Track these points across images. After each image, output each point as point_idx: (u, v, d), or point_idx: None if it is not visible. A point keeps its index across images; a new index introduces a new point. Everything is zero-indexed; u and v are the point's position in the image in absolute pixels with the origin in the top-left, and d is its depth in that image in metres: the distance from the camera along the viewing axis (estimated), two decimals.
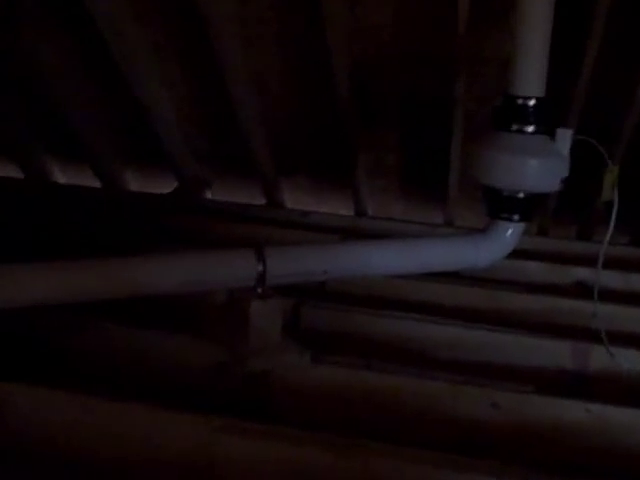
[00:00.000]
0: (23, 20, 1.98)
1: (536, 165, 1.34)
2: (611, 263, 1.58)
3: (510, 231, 1.39)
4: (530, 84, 1.33)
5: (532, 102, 1.33)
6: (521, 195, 1.36)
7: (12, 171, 2.54)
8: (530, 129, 1.34)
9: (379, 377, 1.27)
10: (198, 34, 1.94)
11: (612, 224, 1.37)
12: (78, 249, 1.79)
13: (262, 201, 2.43)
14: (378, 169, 2.30)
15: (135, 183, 2.51)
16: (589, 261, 1.65)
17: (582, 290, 1.80)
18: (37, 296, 1.20)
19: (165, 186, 2.44)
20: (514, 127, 1.34)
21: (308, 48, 1.97)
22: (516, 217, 1.38)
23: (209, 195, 2.48)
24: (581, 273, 1.88)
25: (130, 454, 1.08)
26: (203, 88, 2.17)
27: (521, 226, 1.39)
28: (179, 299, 1.38)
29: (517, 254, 1.47)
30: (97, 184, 2.50)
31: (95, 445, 1.10)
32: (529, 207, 1.38)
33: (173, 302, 1.41)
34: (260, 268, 1.25)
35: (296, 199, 2.42)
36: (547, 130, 1.34)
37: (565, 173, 1.34)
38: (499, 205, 1.38)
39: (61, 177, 2.57)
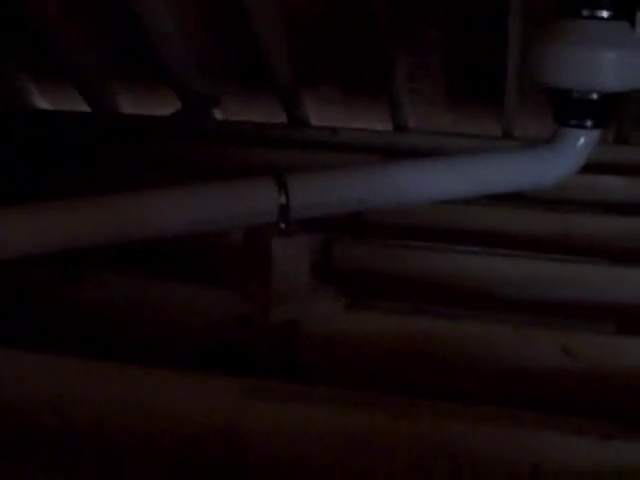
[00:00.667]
0: None
1: (613, 58, 1.30)
2: None
3: (582, 140, 1.36)
4: None
5: None
6: (595, 96, 1.34)
7: None
8: (605, 14, 1.30)
9: (431, 323, 1.26)
10: None
11: None
12: (67, 186, 1.81)
13: (282, 119, 2.43)
14: (420, 73, 2.30)
15: (130, 105, 2.52)
16: None
17: None
18: (23, 244, 1.21)
19: (165, 107, 2.44)
20: (585, 12, 1.30)
21: None
22: (589, 123, 1.36)
23: (218, 115, 2.48)
24: None
25: (141, 426, 1.10)
26: None
27: (596, 134, 1.37)
28: (188, 241, 1.40)
29: (592, 168, 1.46)
30: (86, 108, 2.52)
31: (99, 417, 1.11)
32: (605, 110, 1.36)
33: (182, 245, 1.43)
34: (282, 199, 1.24)
35: (323, 115, 2.42)
36: (625, 14, 1.30)
37: None
38: (568, 109, 1.36)
39: (43, 102, 2.58)
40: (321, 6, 2.16)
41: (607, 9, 1.30)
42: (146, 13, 2.19)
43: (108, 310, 1.36)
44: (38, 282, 1.38)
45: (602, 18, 1.30)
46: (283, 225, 1.25)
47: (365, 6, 2.07)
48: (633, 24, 1.31)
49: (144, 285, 1.37)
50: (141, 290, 1.36)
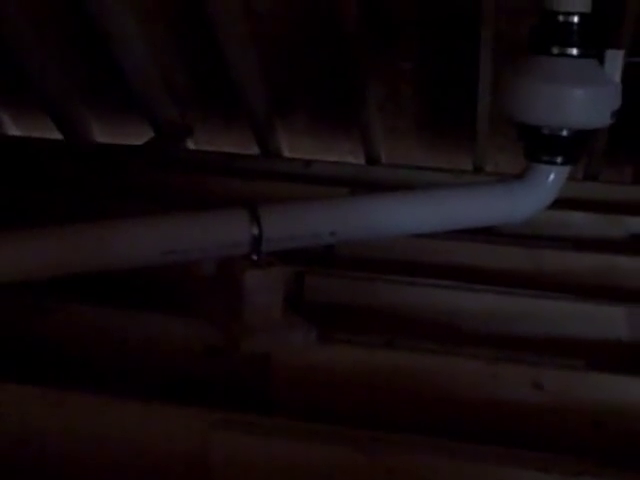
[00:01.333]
0: None
1: (582, 95, 1.32)
2: None
3: (552, 176, 1.38)
4: None
5: (576, 19, 1.30)
6: (565, 133, 1.35)
7: None
8: (575, 52, 1.32)
9: (402, 356, 1.27)
10: None
11: None
12: (37, 214, 1.80)
13: (254, 150, 2.43)
14: (392, 106, 2.30)
15: (103, 133, 2.52)
16: None
17: (638, 245, 1.80)
18: None
19: (138, 136, 2.44)
20: (555, 50, 1.32)
21: None
22: (559, 159, 1.37)
23: (191, 145, 2.48)
24: (637, 224, 1.88)
25: (110, 457, 1.10)
26: (180, 12, 2.15)
27: (565, 170, 1.38)
28: (159, 272, 1.39)
29: (561, 203, 1.47)
30: (57, 135, 2.51)
31: (69, 447, 1.11)
32: (574, 147, 1.37)
33: (152, 276, 1.42)
34: (255, 231, 1.24)
35: (295, 146, 2.43)
36: (595, 53, 1.32)
37: (617, 104, 1.33)
38: (538, 145, 1.37)
39: (13, 128, 2.57)
40: (293, 37, 2.18)
41: (577, 47, 1.32)
42: (118, 42, 2.20)
43: (75, 340, 1.35)
44: (4, 311, 1.37)
45: (572, 56, 1.32)
46: (255, 256, 1.25)
47: (338, 38, 2.09)
48: (602, 62, 1.32)
49: (112, 315, 1.36)
50: (109, 320, 1.36)
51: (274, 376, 1.26)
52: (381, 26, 2.10)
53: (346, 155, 2.42)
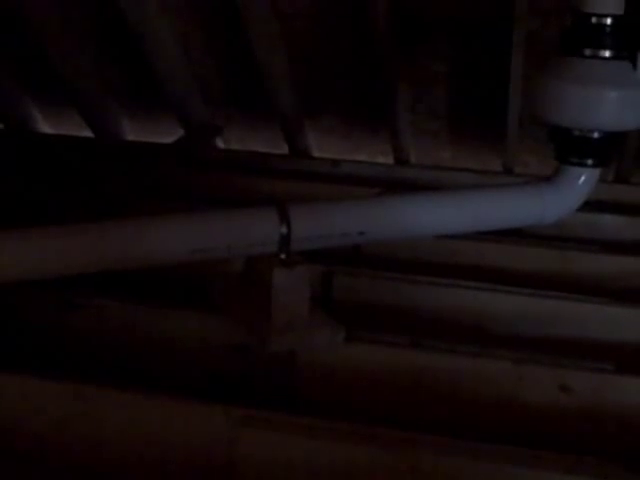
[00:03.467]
0: None
1: (615, 97, 1.32)
2: None
3: (583, 178, 1.38)
4: None
5: (609, 21, 1.30)
6: (596, 135, 1.35)
7: None
8: (607, 54, 1.32)
9: (428, 357, 1.27)
10: None
11: None
12: (69, 211, 1.81)
13: (284, 149, 2.44)
14: (422, 107, 2.30)
15: (133, 132, 2.53)
16: None
17: None
18: (23, 269, 1.21)
19: (168, 135, 2.45)
20: (587, 52, 1.32)
21: None
22: (590, 161, 1.37)
23: (220, 144, 2.49)
24: None
25: (135, 453, 1.11)
26: (211, 11, 2.16)
27: (596, 172, 1.38)
28: (188, 270, 1.40)
29: (591, 206, 1.47)
30: (88, 133, 2.52)
31: (94, 443, 1.12)
32: (606, 149, 1.37)
33: (182, 273, 1.43)
34: (284, 230, 1.25)
35: (324, 146, 2.43)
36: (627, 55, 1.32)
37: None
38: (569, 147, 1.37)
39: (46, 126, 2.59)
40: (324, 38, 2.18)
41: (609, 49, 1.31)
42: (150, 41, 2.21)
43: (106, 336, 1.36)
44: (37, 306, 1.38)
45: (604, 58, 1.32)
46: (284, 255, 1.26)
47: (368, 38, 2.09)
48: (634, 65, 1.32)
49: (143, 312, 1.37)
50: (140, 317, 1.37)
51: (300, 374, 1.26)
52: (411, 26, 2.10)
53: (375, 155, 2.42)
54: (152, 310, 1.35)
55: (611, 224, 1.91)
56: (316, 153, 2.45)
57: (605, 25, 1.31)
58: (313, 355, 1.26)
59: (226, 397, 1.16)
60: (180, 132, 2.46)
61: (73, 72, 2.36)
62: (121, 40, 2.24)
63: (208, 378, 1.28)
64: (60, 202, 1.90)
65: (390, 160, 2.41)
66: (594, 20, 1.31)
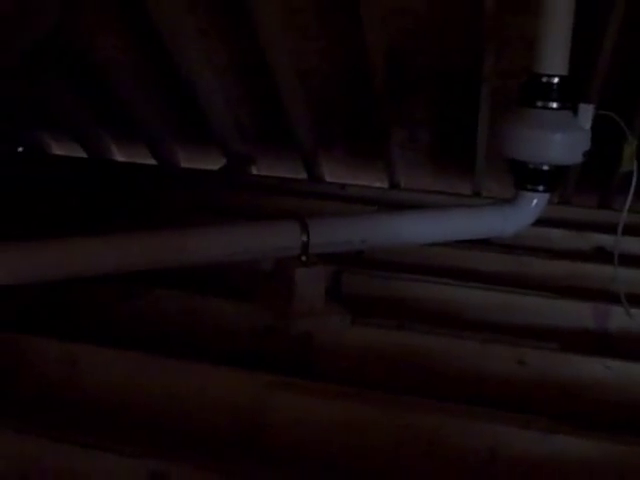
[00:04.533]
0: (82, 3, 1.99)
1: (560, 139, 1.32)
2: (630, 230, 1.56)
3: (535, 201, 1.37)
4: (554, 63, 1.30)
5: (556, 80, 1.30)
6: (546, 167, 1.34)
7: (77, 151, 2.58)
8: (554, 105, 1.31)
9: (411, 337, 1.27)
10: (241, 12, 1.93)
11: (631, 193, 1.36)
12: (134, 223, 1.82)
13: (303, 175, 2.43)
14: (410, 142, 2.29)
15: (187, 160, 2.53)
16: (609, 228, 1.63)
17: (602, 255, 1.78)
18: (101, 265, 1.22)
19: (213, 162, 2.45)
20: (539, 103, 1.32)
21: (345, 23, 1.94)
22: (541, 188, 1.36)
23: (253, 171, 2.49)
24: (602, 239, 1.86)
25: (185, 408, 1.11)
26: (246, 66, 2.16)
27: (546, 196, 1.38)
28: (229, 267, 1.40)
29: (542, 222, 1.46)
30: (152, 161, 2.53)
31: (152, 398, 1.12)
32: (553, 178, 1.36)
33: (223, 270, 1.43)
34: (304, 238, 1.26)
35: (334, 172, 2.42)
36: (570, 106, 1.32)
37: (587, 146, 1.32)
38: (525, 177, 1.37)
39: (118, 155, 2.60)
40: (335, 88, 2.17)
41: (555, 101, 1.31)
42: (200, 89, 2.20)
43: (161, 319, 1.36)
44: (101, 294, 1.38)
45: (552, 108, 1.32)
46: (304, 258, 1.26)
47: (369, 89, 2.09)
48: (576, 113, 1.32)
49: (190, 299, 1.37)
50: (187, 303, 1.37)
51: (317, 350, 1.26)
52: (402, 80, 2.10)
53: (373, 180, 2.41)
54: (198, 298, 1.36)
55: (557, 236, 1.91)
56: (328, 178, 2.44)
57: (553, 83, 1.31)
58: (326, 335, 1.27)
59: (257, 367, 1.16)
60: (222, 161, 2.46)
61: (140, 112, 2.36)
62: (177, 87, 2.24)
63: (243, 352, 1.28)
64: (129, 216, 1.90)
65: (385, 184, 2.40)
66: (544, 79, 1.31)
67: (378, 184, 2.40)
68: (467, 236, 1.47)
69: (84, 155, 2.59)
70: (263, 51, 2.01)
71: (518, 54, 1.88)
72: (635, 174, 1.36)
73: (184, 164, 2.53)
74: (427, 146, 2.29)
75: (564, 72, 1.30)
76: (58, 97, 2.36)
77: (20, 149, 2.62)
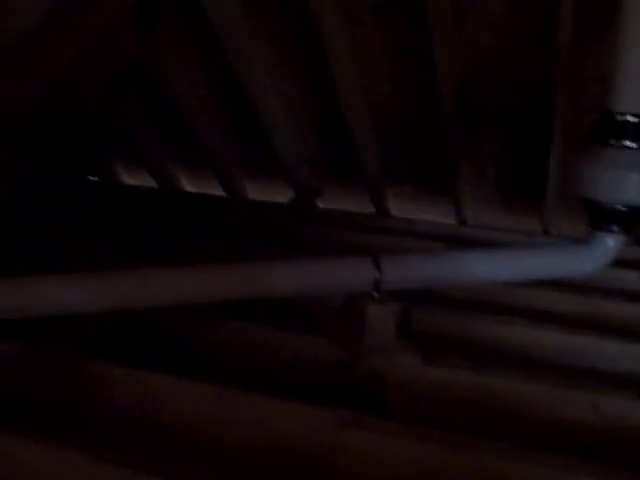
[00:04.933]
0: (159, 38, 2.06)
1: (636, 179, 1.29)
2: None
3: (611, 242, 1.35)
4: (630, 101, 1.29)
5: (632, 119, 1.28)
6: (622, 208, 1.32)
7: (148, 181, 2.66)
8: (630, 144, 1.29)
9: (484, 378, 1.26)
10: (311, 47, 1.97)
11: None
12: (204, 256, 1.85)
13: (370, 209, 2.44)
14: (478, 178, 2.29)
15: (253, 192, 2.58)
16: None
17: None
18: (177, 296, 1.25)
19: (281, 195, 2.49)
20: (614, 142, 1.30)
21: (415, 59, 1.97)
22: (617, 229, 1.34)
23: (320, 204, 2.51)
24: None
25: (254, 441, 1.12)
26: (317, 102, 2.20)
27: (622, 237, 1.35)
28: (300, 301, 1.42)
29: (617, 263, 1.43)
30: (220, 192, 2.58)
31: (224, 432, 1.14)
32: (630, 219, 1.34)
33: (294, 304, 1.45)
34: (376, 275, 1.27)
35: (401, 206, 2.43)
36: None
37: None
38: (600, 217, 1.35)
39: (188, 185, 2.66)
40: (404, 123, 2.19)
41: (630, 140, 1.29)
42: (268, 123, 2.25)
43: (234, 351, 1.38)
44: (178, 325, 1.41)
45: (627, 147, 1.30)
46: (375, 294, 1.28)
47: (437, 124, 2.10)
48: None
49: (262, 331, 1.39)
50: (258, 336, 1.39)
51: (389, 387, 1.26)
52: (472, 115, 2.10)
53: (441, 215, 2.41)
54: (274, 331, 1.38)
55: (632, 278, 1.87)
56: (395, 212, 2.44)
57: (629, 122, 1.29)
58: (397, 373, 1.27)
59: (328, 402, 1.16)
60: (289, 192, 2.49)
61: (211, 143, 2.41)
62: (247, 120, 2.28)
63: (314, 388, 1.28)
64: (200, 248, 1.94)
65: (452, 220, 2.40)
66: (619, 117, 1.29)
67: (444, 220, 2.39)
68: (540, 276, 1.45)
69: (154, 185, 2.66)
70: (334, 85, 2.05)
71: (593, 89, 1.87)
72: None
73: (252, 196, 2.58)
74: (496, 182, 2.28)
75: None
76: (133, 126, 2.45)
77: (93, 178, 2.70)
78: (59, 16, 1.60)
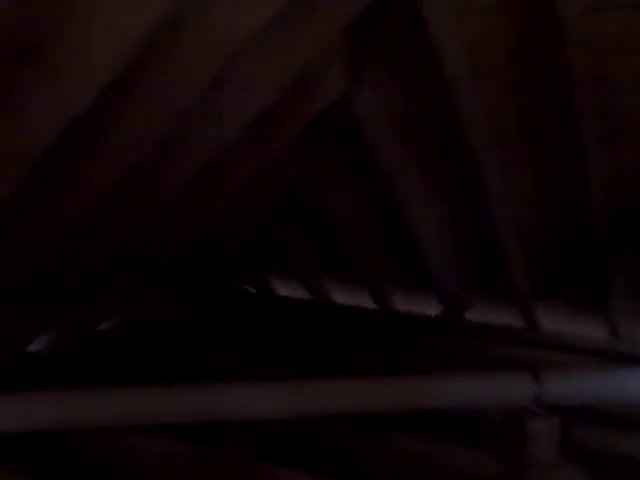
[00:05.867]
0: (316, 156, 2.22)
1: None
2: None
3: None
4: None
5: None
6: None
7: (301, 292, 2.82)
8: None
9: None
10: (462, 170, 2.08)
11: None
12: (356, 364, 1.93)
13: (518, 321, 2.45)
14: (630, 290, 2.25)
15: (401, 303, 2.65)
16: None
17: None
18: (353, 406, 1.34)
19: (426, 306, 2.55)
20: None
21: (565, 178, 2.02)
22: None
23: (468, 316, 2.55)
24: None
25: None
26: (466, 219, 2.29)
27: None
28: (458, 414, 1.47)
29: None
30: (367, 303, 2.67)
31: None
32: None
33: (452, 415, 1.50)
34: (537, 389, 1.31)
35: (552, 321, 2.43)
36: None
37: None
38: None
39: (338, 297, 2.79)
40: (553, 239, 2.22)
41: None
42: (419, 242, 2.35)
43: (391, 461, 1.44)
44: (344, 437, 1.48)
45: None
46: (536, 409, 1.32)
47: (585, 239, 2.12)
48: None
49: (422, 443, 1.44)
50: (418, 447, 1.44)
51: None
52: (621, 230, 2.10)
53: (592, 329, 2.37)
54: (434, 444, 1.43)
55: None
56: (546, 327, 2.44)
57: None
58: None
59: None
60: (434, 304, 2.54)
61: (362, 258, 2.54)
62: (398, 235, 2.39)
63: None
64: (348, 356, 2.01)
65: (602, 334, 2.36)
66: None
67: (594, 334, 2.36)
68: None
69: (307, 296, 2.80)
70: (484, 203, 2.14)
71: None
72: None
73: (401, 308, 2.64)
74: None
75: None
76: (291, 242, 2.62)
77: (252, 290, 2.89)
78: (236, 144, 1.81)
